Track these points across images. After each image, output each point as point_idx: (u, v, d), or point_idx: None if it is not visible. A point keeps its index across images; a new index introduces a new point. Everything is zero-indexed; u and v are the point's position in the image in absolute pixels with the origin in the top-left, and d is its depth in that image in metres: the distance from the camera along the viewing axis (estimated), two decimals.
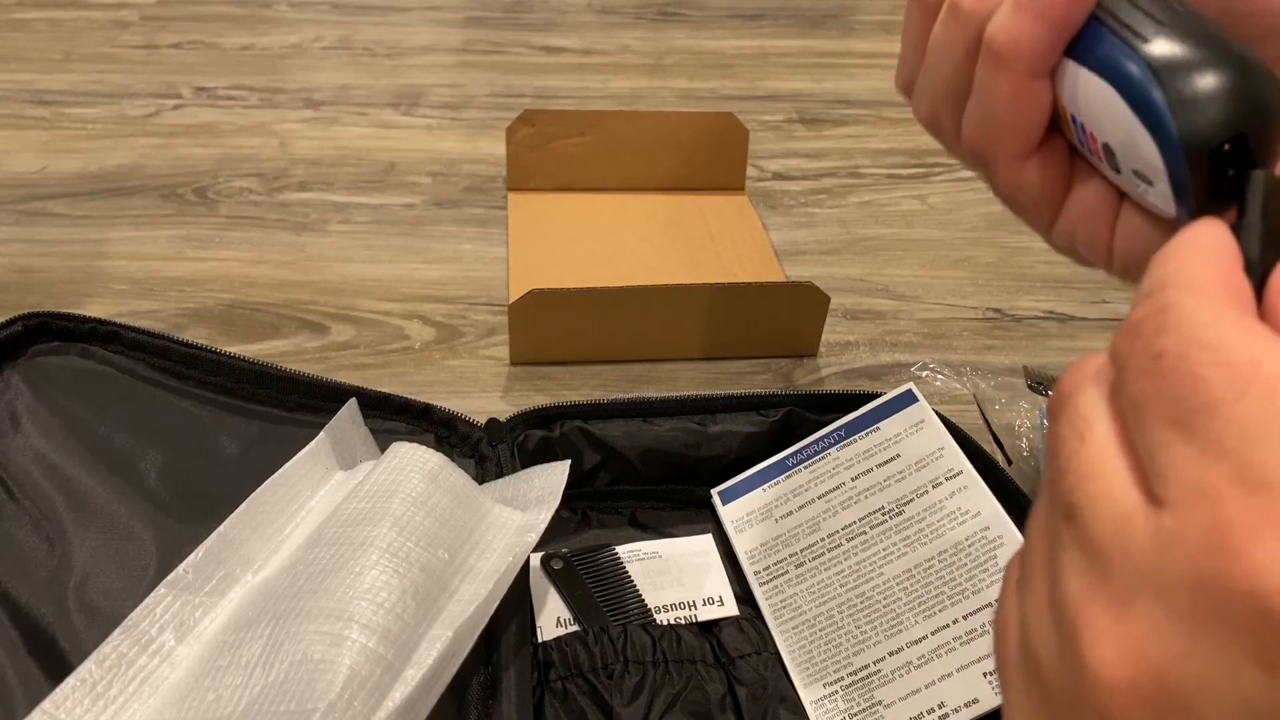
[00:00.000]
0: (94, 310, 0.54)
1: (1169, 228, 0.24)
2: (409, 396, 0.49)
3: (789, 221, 0.73)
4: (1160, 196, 0.24)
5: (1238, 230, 0.20)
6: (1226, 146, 0.22)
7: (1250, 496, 0.15)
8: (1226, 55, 0.22)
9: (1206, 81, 0.22)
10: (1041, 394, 0.53)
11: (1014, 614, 0.20)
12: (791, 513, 0.45)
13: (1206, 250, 0.19)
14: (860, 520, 0.43)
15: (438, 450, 0.41)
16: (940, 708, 0.37)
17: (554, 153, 0.72)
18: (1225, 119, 0.22)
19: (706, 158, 0.73)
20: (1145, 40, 0.23)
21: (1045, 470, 0.20)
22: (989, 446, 0.50)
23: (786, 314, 0.58)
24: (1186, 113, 0.22)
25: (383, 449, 0.45)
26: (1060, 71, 0.26)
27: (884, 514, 0.43)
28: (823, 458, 0.46)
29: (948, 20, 0.28)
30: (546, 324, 0.56)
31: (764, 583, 0.44)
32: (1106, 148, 0.25)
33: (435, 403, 0.49)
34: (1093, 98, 0.24)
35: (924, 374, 0.59)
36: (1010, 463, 0.50)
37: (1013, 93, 0.26)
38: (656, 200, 0.73)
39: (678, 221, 0.70)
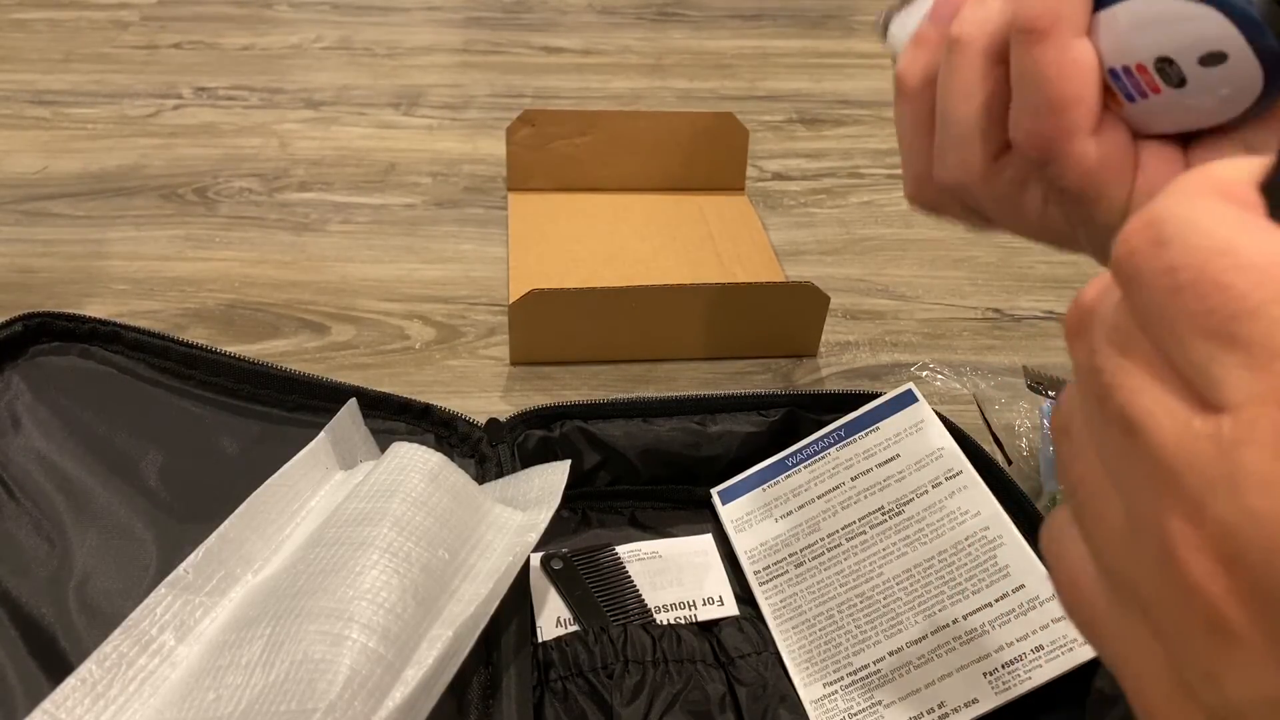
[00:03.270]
0: (94, 310, 0.54)
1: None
2: (409, 396, 0.49)
3: (789, 221, 0.73)
4: (1234, 76, 0.24)
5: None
6: None
7: None
8: None
9: None
10: (1041, 394, 0.53)
11: (1075, 548, 0.20)
12: (791, 512, 0.45)
13: (1205, 170, 0.18)
14: (860, 520, 0.43)
15: (438, 450, 0.41)
16: (940, 708, 0.37)
17: (554, 153, 0.72)
18: None
19: (706, 158, 0.73)
20: None
21: (1080, 382, 0.19)
22: (989, 446, 0.50)
23: (786, 314, 0.58)
24: None
25: (383, 449, 0.45)
26: (1092, 32, 0.26)
27: (884, 514, 0.43)
28: (822, 458, 0.46)
29: (954, 59, 0.29)
30: (546, 324, 0.56)
31: (764, 582, 0.44)
32: (1162, 68, 0.25)
33: (435, 403, 0.49)
34: (1135, 18, 0.25)
35: (924, 374, 0.59)
36: (1010, 463, 0.50)
37: (1062, 60, 0.26)
38: (656, 200, 0.73)
39: (678, 221, 0.70)
